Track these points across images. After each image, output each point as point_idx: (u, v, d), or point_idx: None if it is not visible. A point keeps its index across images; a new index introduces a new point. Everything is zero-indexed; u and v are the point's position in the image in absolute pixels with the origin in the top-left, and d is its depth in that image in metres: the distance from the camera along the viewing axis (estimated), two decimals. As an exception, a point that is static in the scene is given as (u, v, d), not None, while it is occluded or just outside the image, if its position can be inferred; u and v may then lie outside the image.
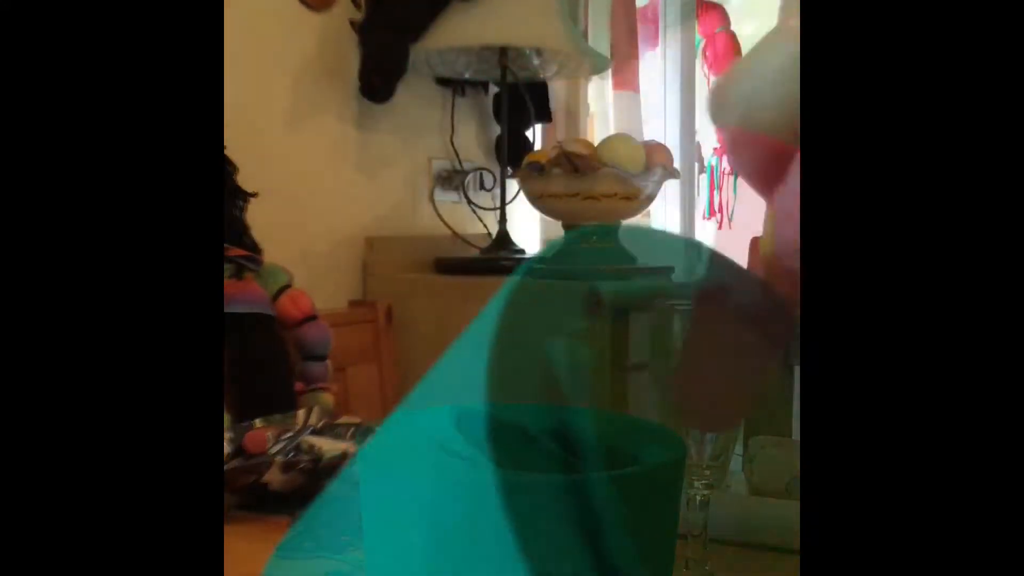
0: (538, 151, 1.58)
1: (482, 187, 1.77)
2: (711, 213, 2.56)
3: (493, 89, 1.76)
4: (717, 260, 0.38)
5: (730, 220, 2.69)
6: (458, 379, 0.29)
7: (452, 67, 1.65)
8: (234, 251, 1.14)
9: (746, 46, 2.70)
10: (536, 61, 1.67)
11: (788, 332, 0.39)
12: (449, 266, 1.54)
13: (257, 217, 1.24)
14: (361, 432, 0.80)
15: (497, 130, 1.73)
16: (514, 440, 0.31)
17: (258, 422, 0.81)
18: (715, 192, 2.61)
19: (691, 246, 0.37)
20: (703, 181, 2.64)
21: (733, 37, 2.57)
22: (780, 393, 1.02)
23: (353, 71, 1.50)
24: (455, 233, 1.62)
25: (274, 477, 0.70)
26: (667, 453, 0.36)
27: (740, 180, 2.67)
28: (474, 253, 1.59)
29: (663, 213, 2.27)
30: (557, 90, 1.88)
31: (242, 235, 1.20)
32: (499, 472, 0.27)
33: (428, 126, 1.68)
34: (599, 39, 1.98)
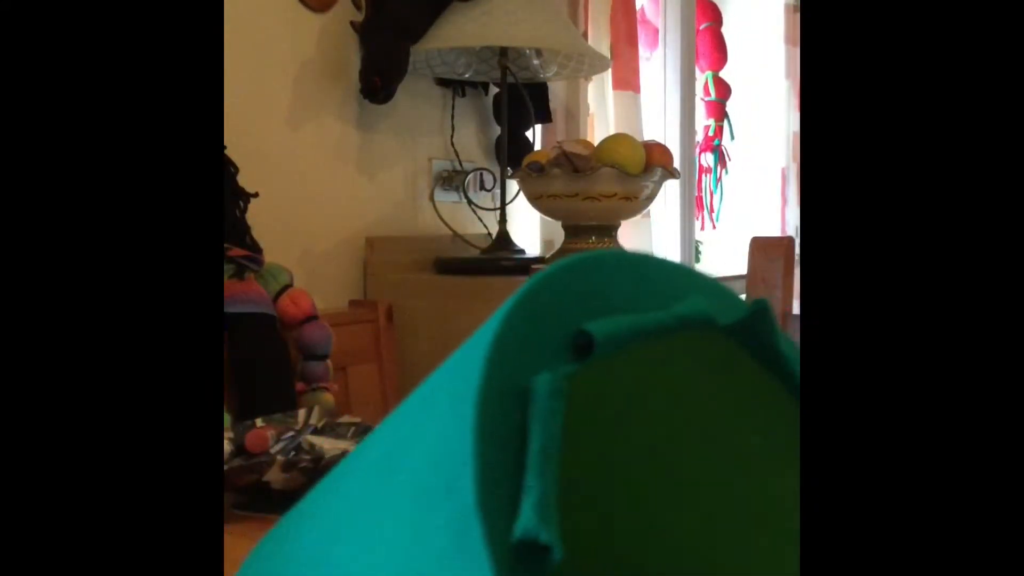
0: (538, 151, 1.58)
1: (482, 187, 1.77)
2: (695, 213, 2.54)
3: (493, 89, 1.76)
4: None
5: (715, 220, 2.67)
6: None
7: (452, 68, 1.65)
8: (235, 251, 1.14)
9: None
10: (536, 61, 1.67)
11: None
12: (449, 266, 1.54)
13: (258, 217, 1.24)
14: (361, 431, 0.80)
15: (497, 130, 1.73)
16: None
17: (259, 421, 0.81)
18: (699, 191, 2.59)
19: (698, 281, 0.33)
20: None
21: (717, 33, 2.57)
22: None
23: (353, 71, 1.51)
24: (455, 233, 1.62)
25: (275, 476, 0.70)
26: None
27: (724, 178, 2.66)
28: (474, 253, 1.59)
29: (663, 213, 2.28)
30: (557, 90, 1.88)
31: (243, 235, 1.20)
32: None
33: (428, 126, 1.68)
34: (599, 39, 1.98)
